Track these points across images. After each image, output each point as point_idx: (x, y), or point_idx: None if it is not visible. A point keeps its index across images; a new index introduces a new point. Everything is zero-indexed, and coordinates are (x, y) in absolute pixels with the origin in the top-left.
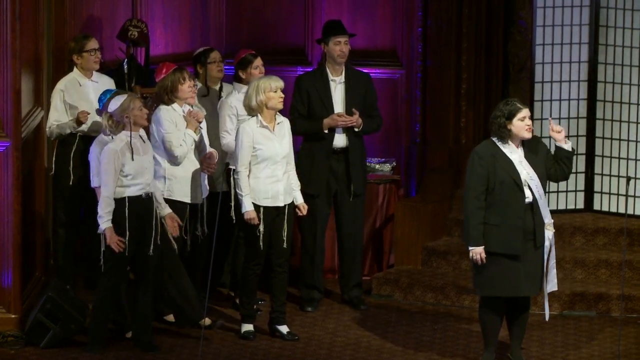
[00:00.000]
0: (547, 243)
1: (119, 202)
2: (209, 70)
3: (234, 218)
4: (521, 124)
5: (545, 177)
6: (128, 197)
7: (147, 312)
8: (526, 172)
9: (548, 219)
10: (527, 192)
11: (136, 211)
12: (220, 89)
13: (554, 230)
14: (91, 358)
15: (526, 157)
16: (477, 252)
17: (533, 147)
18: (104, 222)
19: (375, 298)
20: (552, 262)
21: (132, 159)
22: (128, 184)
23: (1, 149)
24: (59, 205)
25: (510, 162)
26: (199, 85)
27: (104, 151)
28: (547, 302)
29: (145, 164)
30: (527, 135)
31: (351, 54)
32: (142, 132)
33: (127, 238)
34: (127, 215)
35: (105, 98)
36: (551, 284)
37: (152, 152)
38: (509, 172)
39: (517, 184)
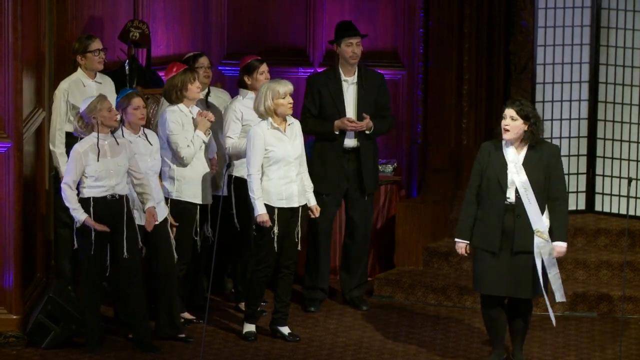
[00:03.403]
0: (537, 250)
1: (84, 202)
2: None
3: (237, 226)
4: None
5: (544, 184)
6: (92, 197)
7: (142, 313)
8: (517, 175)
9: (539, 226)
10: (510, 194)
11: (102, 212)
12: (207, 94)
13: (546, 237)
14: (92, 358)
15: (526, 160)
16: (460, 246)
17: (538, 153)
18: (80, 213)
19: (376, 299)
20: (553, 272)
21: (97, 161)
22: (91, 185)
23: (2, 150)
24: (60, 206)
25: (502, 162)
26: None
27: (71, 151)
28: (550, 310)
29: (112, 166)
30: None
31: None
32: (145, 132)
33: (92, 237)
34: (91, 215)
35: (120, 97)
36: (558, 294)
37: (127, 154)
38: (496, 171)
39: (500, 183)
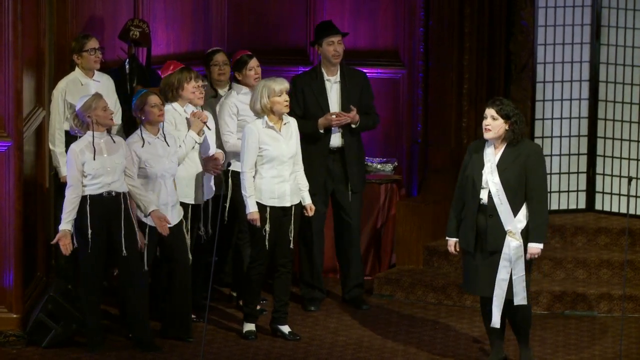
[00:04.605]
0: (507, 250)
1: (81, 200)
2: (211, 72)
3: (226, 219)
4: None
5: (517, 184)
6: (89, 195)
7: (142, 313)
8: (490, 175)
9: (511, 227)
10: (483, 194)
11: (98, 210)
12: (230, 90)
13: (518, 238)
14: (92, 358)
15: (501, 160)
16: (449, 243)
17: (516, 152)
18: (64, 223)
19: (376, 298)
20: (519, 275)
21: (94, 159)
22: (87, 184)
23: (3, 149)
24: (60, 205)
25: (480, 163)
26: (207, 86)
27: (68, 152)
28: (497, 310)
29: (109, 164)
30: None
31: (353, 54)
32: (164, 133)
33: (89, 236)
34: (88, 212)
35: (135, 98)
36: (518, 297)
37: (124, 153)
38: (473, 172)
39: (474, 184)
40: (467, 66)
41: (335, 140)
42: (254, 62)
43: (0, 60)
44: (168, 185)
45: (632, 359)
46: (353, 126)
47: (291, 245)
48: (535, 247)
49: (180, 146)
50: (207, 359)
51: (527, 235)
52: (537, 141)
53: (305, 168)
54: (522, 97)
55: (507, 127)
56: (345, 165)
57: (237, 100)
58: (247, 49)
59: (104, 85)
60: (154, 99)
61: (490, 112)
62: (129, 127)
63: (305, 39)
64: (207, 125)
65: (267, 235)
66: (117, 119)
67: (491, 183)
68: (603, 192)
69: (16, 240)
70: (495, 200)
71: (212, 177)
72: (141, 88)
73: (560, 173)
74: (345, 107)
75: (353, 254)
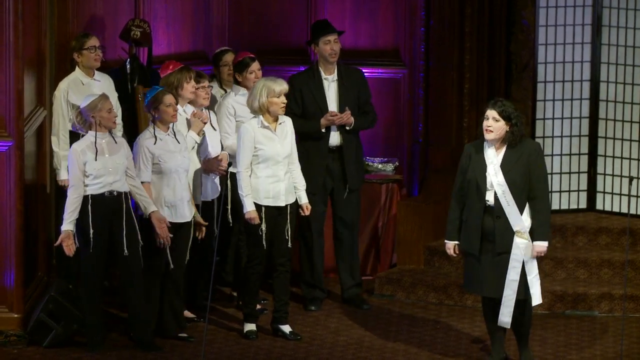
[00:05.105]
0: (516, 251)
1: (83, 200)
2: (220, 72)
3: (230, 221)
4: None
5: (523, 184)
6: (91, 195)
7: (142, 313)
8: (495, 177)
9: (519, 227)
10: (489, 196)
11: (100, 210)
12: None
13: (526, 238)
14: (93, 357)
15: (504, 161)
16: (449, 246)
17: (518, 152)
18: (66, 223)
19: (377, 297)
20: (534, 274)
21: (95, 159)
22: (89, 183)
23: (4, 149)
24: (61, 205)
25: (482, 164)
26: (214, 86)
27: (69, 152)
28: (508, 311)
29: (110, 164)
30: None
31: (354, 53)
32: (174, 130)
33: (91, 235)
34: (90, 212)
35: (150, 95)
36: (535, 297)
37: (125, 152)
38: (476, 174)
39: (478, 186)
40: (468, 66)
41: (334, 139)
42: (255, 66)
43: (1, 61)
44: (182, 180)
45: (633, 359)
46: (347, 128)
47: (289, 244)
48: (541, 245)
49: None
50: (208, 358)
51: (532, 232)
52: (538, 141)
53: (305, 167)
54: (523, 96)
55: (507, 129)
56: (344, 164)
57: (234, 101)
58: (247, 48)
59: (104, 84)
60: (169, 98)
61: (491, 113)
62: (129, 127)
63: (305, 39)
64: (212, 126)
65: (264, 235)
66: (117, 119)
67: (496, 185)
68: (604, 192)
69: (17, 240)
70: (502, 201)
71: (218, 176)
72: (142, 88)
73: (561, 173)
74: (343, 107)
75: (351, 253)
